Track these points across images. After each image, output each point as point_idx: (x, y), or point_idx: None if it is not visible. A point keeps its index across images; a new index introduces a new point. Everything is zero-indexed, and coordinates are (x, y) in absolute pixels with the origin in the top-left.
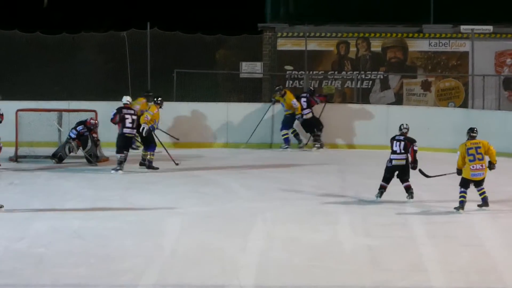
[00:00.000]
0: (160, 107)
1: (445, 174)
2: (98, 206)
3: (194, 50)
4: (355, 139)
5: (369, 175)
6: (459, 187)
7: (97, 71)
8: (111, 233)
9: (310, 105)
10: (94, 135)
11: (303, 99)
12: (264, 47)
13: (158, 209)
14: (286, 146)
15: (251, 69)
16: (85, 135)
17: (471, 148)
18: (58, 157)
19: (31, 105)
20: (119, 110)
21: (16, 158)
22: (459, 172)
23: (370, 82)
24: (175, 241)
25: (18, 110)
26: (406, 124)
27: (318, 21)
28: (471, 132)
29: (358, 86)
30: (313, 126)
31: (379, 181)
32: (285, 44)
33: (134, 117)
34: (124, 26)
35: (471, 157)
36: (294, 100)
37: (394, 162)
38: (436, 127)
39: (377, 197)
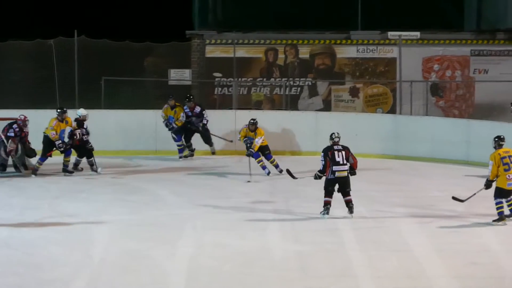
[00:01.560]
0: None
1: (474, 194)
2: (26, 214)
3: (123, 58)
4: (284, 146)
5: (298, 181)
6: (494, 198)
7: (25, 80)
8: (39, 242)
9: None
10: (25, 142)
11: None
12: (193, 54)
13: (86, 218)
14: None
15: (179, 76)
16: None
17: (505, 157)
18: (1, 165)
19: None
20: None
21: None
22: (489, 184)
23: (299, 88)
24: (103, 249)
25: None
26: (338, 133)
27: (246, 28)
28: (500, 141)
29: (287, 93)
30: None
31: (309, 188)
32: (213, 51)
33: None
34: (51, 34)
35: (506, 166)
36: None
37: (337, 174)
38: (365, 133)
39: (323, 214)
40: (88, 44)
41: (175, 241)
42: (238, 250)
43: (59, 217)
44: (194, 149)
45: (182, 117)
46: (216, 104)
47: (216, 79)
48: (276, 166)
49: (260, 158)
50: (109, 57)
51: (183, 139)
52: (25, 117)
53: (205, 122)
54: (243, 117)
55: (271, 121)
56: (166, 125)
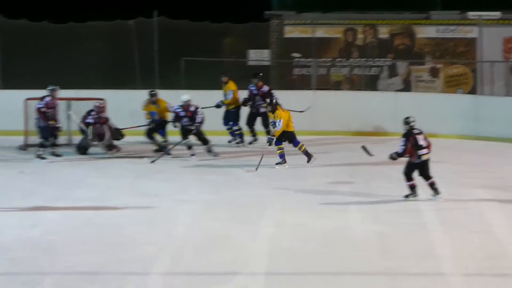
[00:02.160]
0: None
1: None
2: (109, 194)
3: (202, 39)
4: (363, 126)
5: (377, 161)
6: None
7: (104, 60)
8: (122, 221)
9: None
10: (110, 127)
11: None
12: (271, 34)
13: (167, 197)
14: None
15: (258, 56)
16: (98, 124)
17: None
18: (84, 148)
19: (40, 94)
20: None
21: (26, 147)
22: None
23: (378, 69)
24: (185, 229)
25: (27, 99)
26: (413, 117)
27: (325, 8)
28: None
29: (366, 73)
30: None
31: (388, 168)
32: (292, 32)
33: None
34: (131, 15)
35: None
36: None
37: (423, 158)
38: (445, 113)
39: (413, 196)
40: (168, 25)
41: (255, 221)
42: (318, 231)
43: (141, 197)
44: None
45: (229, 94)
46: (294, 84)
47: (295, 59)
48: (305, 153)
49: (281, 146)
50: (189, 37)
51: (239, 124)
52: (101, 103)
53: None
54: (322, 97)
55: (350, 101)
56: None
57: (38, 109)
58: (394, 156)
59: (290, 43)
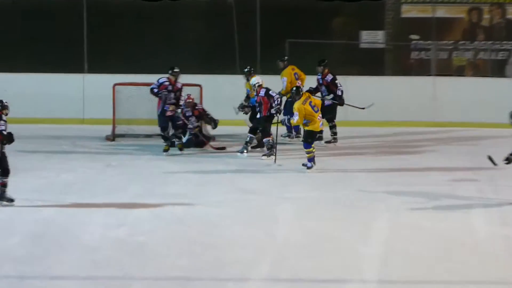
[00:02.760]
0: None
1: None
2: (203, 190)
3: (309, 18)
4: (489, 117)
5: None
6: None
7: (200, 41)
8: (218, 220)
9: None
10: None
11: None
12: (386, 14)
13: (268, 194)
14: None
15: (371, 38)
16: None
17: None
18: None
19: (129, 79)
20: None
21: (113, 137)
22: None
23: (506, 53)
24: (287, 229)
25: (115, 84)
26: None
27: None
28: None
29: (493, 57)
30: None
31: None
32: (410, 11)
33: None
34: None
35: None
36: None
37: None
38: None
39: None
40: (271, 4)
41: (365, 222)
42: (438, 233)
43: (239, 194)
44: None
45: (283, 82)
46: (412, 70)
47: (413, 42)
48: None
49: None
50: (294, 17)
51: None
52: (188, 97)
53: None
54: (442, 84)
55: (474, 89)
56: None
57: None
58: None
59: (407, 23)
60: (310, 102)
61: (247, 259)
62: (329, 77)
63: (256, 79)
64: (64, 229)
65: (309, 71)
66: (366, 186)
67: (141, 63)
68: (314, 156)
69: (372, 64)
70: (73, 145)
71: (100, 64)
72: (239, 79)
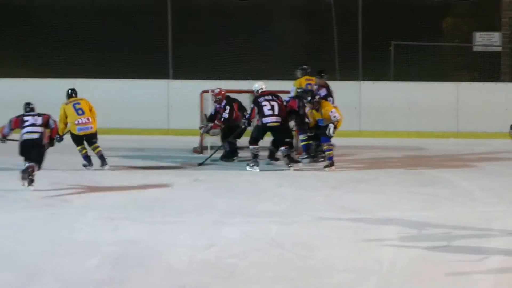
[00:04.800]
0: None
1: None
2: (299, 208)
3: (416, 19)
4: None
5: None
6: None
7: (295, 44)
8: (316, 241)
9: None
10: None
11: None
12: (503, 13)
13: (370, 213)
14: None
15: (486, 40)
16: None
17: None
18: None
19: (217, 85)
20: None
21: (201, 150)
22: None
23: None
24: (392, 252)
25: (202, 92)
26: None
27: None
28: None
29: None
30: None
31: None
32: None
33: (274, 102)
34: None
35: None
36: None
37: None
38: None
39: None
40: (373, 3)
41: (482, 244)
42: None
43: (339, 212)
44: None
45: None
46: None
47: None
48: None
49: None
50: (400, 17)
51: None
52: (220, 91)
53: None
54: None
55: None
56: None
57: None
58: None
59: None
60: None
61: (349, 285)
62: (323, 92)
63: (260, 84)
64: (148, 249)
65: (415, 77)
66: (482, 204)
67: (230, 68)
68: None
69: (487, 69)
70: (158, 157)
71: (186, 69)
72: (338, 84)
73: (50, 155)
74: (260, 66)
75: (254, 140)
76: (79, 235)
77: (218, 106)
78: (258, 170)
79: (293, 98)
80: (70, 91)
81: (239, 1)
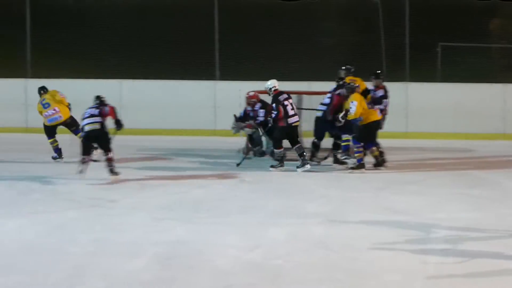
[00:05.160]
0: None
1: None
2: (345, 209)
3: (464, 19)
4: None
5: None
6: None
7: (342, 45)
8: (363, 242)
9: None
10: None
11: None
12: None
13: (417, 215)
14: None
15: None
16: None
17: None
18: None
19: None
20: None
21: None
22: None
23: None
24: (440, 253)
25: (248, 92)
26: None
27: None
28: None
29: None
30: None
31: None
32: None
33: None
34: None
35: None
36: None
37: None
38: None
39: None
40: (421, 3)
41: None
42: None
43: (385, 214)
44: None
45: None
46: None
47: None
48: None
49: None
50: (447, 18)
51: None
52: (254, 95)
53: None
54: None
55: None
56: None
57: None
58: None
59: None
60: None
61: (394, 287)
62: (380, 92)
63: (272, 82)
64: (194, 250)
65: (466, 78)
66: None
67: (277, 69)
68: (363, 157)
69: None
70: (204, 158)
71: (232, 70)
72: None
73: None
74: (306, 67)
75: (279, 142)
76: (126, 235)
77: (249, 108)
78: (283, 170)
79: (337, 94)
80: (39, 90)
81: (286, 1)
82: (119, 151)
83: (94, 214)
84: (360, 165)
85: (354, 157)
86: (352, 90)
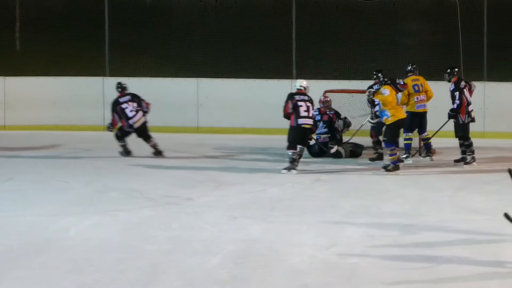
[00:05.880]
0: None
1: None
2: (423, 209)
3: None
4: None
5: None
6: None
7: (421, 45)
8: (438, 242)
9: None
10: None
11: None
12: None
13: (494, 214)
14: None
15: None
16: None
17: None
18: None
19: (341, 85)
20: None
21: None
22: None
23: None
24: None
25: (325, 92)
26: None
27: None
28: None
29: None
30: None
31: None
32: None
33: (309, 104)
34: None
35: None
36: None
37: None
38: None
39: None
40: (499, 3)
41: None
42: None
43: (463, 213)
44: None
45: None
46: None
47: None
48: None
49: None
50: None
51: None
52: (325, 96)
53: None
54: None
55: None
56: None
57: None
58: None
59: None
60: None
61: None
62: (452, 86)
63: (300, 82)
64: (270, 249)
65: None
66: None
67: (356, 68)
68: (398, 158)
69: None
70: (280, 157)
71: (310, 68)
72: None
73: (173, 153)
74: (386, 66)
75: (293, 144)
76: (202, 233)
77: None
78: (295, 173)
79: None
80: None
81: (364, 0)
82: (195, 149)
83: (170, 212)
84: (395, 167)
85: (389, 160)
86: (384, 83)
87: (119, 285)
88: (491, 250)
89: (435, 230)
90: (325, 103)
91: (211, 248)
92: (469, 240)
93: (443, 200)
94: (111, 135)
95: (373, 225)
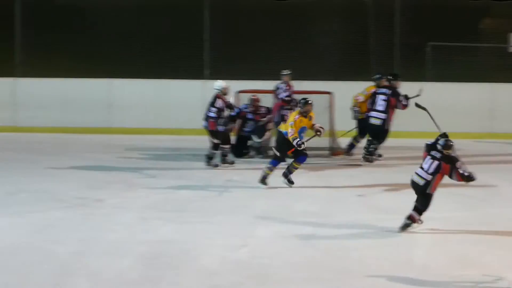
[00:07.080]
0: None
1: None
2: (333, 208)
3: (454, 19)
4: None
5: None
6: None
7: (334, 45)
8: (351, 242)
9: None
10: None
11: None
12: None
13: (402, 214)
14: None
15: None
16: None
17: None
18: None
19: (254, 85)
20: None
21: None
22: None
23: None
24: (427, 253)
25: (238, 92)
26: None
27: None
28: None
29: None
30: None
31: None
32: None
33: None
34: None
35: None
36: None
37: None
38: None
39: None
40: (412, 2)
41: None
42: None
43: (372, 213)
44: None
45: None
46: None
47: None
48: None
49: None
50: (437, 17)
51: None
52: (255, 97)
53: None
54: None
55: None
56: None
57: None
58: None
59: None
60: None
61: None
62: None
63: (219, 83)
64: (181, 250)
65: (455, 78)
66: None
67: (268, 68)
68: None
69: None
70: (193, 157)
71: (222, 69)
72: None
73: (88, 154)
74: (298, 65)
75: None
76: (112, 235)
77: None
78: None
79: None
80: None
81: (279, 1)
82: (106, 150)
83: (80, 213)
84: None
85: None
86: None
87: (28, 287)
88: (402, 249)
89: (345, 228)
90: (253, 102)
91: (122, 249)
92: (380, 241)
93: (352, 199)
94: (23, 136)
95: (284, 225)
